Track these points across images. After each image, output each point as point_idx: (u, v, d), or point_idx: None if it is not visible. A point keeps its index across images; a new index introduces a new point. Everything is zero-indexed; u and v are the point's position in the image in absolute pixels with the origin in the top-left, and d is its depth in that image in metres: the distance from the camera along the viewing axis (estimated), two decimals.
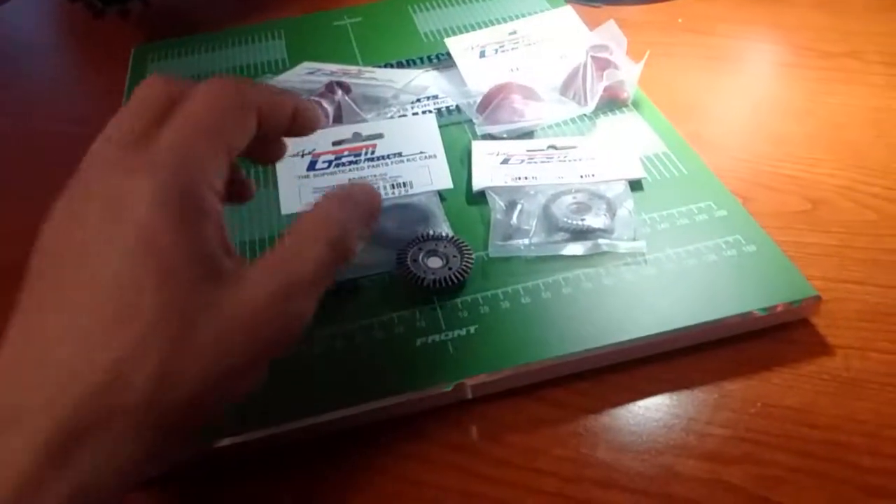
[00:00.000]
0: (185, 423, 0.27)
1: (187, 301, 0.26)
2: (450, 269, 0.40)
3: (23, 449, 0.23)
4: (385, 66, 0.60)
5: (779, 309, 0.38)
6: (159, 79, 0.31)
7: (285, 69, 0.60)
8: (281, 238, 0.30)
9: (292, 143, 0.48)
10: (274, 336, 0.29)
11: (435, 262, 0.41)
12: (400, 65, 0.60)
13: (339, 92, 0.51)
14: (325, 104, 0.51)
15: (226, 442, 0.35)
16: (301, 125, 0.34)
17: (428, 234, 0.42)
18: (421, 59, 0.60)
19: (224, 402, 0.28)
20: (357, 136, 0.49)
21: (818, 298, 0.39)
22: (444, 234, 0.42)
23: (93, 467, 0.24)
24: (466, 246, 0.42)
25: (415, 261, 0.41)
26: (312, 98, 0.51)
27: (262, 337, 0.28)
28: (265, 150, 0.36)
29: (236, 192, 0.36)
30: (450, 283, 0.40)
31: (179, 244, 0.27)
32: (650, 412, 0.36)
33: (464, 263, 0.41)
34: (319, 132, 0.49)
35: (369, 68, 0.59)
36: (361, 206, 0.33)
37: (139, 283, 0.26)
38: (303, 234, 0.31)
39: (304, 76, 0.57)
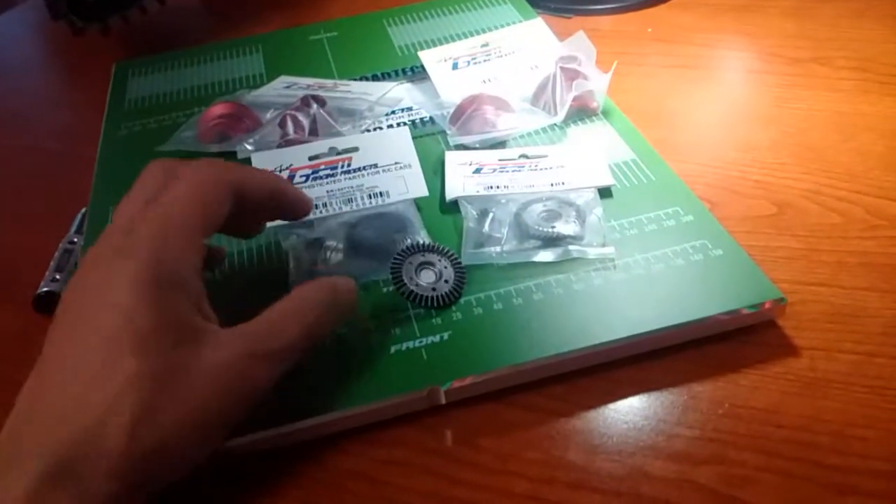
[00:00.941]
0: (155, 473, 0.30)
1: (159, 364, 0.30)
2: (446, 282, 0.41)
3: (17, 487, 0.27)
4: (360, 79, 0.61)
5: (748, 310, 0.39)
6: (157, 164, 0.37)
7: (263, 83, 0.61)
8: (263, 312, 0.35)
9: (270, 159, 0.49)
10: (232, 397, 0.32)
11: (428, 277, 0.41)
12: (375, 78, 0.61)
13: (315, 105, 0.52)
14: (301, 117, 0.52)
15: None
16: (288, 207, 0.40)
17: (415, 246, 0.43)
18: (395, 72, 0.61)
19: (190, 459, 0.32)
20: (333, 150, 0.50)
21: (784, 301, 0.39)
22: (428, 244, 0.43)
23: None
24: (454, 256, 0.42)
25: (410, 277, 0.41)
26: (288, 112, 0.52)
27: (225, 394, 0.32)
28: (245, 226, 0.42)
29: (211, 256, 0.41)
30: (452, 298, 0.41)
31: (152, 316, 0.31)
32: (620, 414, 0.37)
33: (457, 275, 0.42)
34: (296, 147, 0.50)
35: (345, 81, 0.59)
36: (342, 297, 0.37)
37: (119, 350, 0.30)
38: (283, 312, 0.35)
39: (280, 90, 0.58)
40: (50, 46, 0.81)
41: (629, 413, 0.37)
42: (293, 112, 0.52)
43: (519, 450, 0.36)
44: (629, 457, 0.35)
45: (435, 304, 0.40)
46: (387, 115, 0.56)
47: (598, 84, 0.52)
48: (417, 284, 0.41)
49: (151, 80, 0.65)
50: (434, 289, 0.41)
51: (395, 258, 0.42)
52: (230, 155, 0.53)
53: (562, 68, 0.53)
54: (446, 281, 0.41)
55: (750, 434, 0.36)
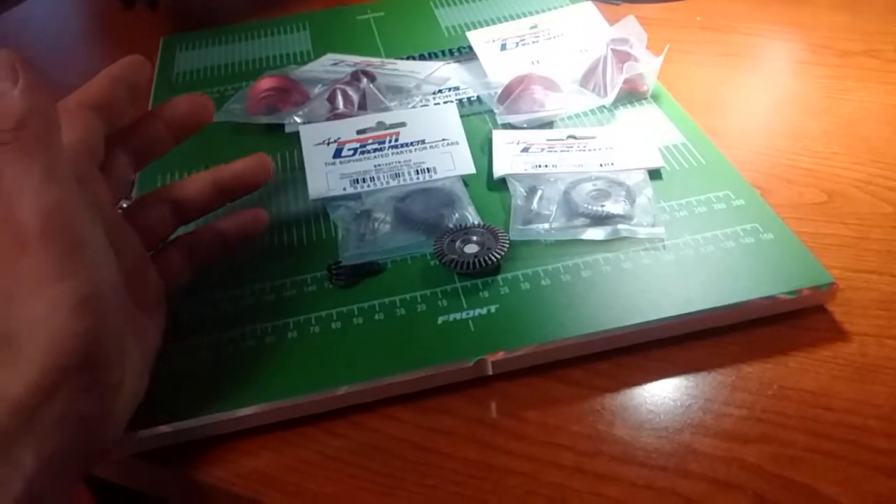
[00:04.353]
0: None
1: None
2: (489, 249, 0.41)
3: None
4: (407, 58, 0.61)
5: (798, 294, 0.39)
6: None
7: (310, 60, 0.62)
8: None
9: (318, 132, 0.50)
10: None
11: (471, 248, 0.42)
12: (422, 57, 0.61)
13: (365, 80, 0.52)
14: (351, 92, 0.52)
15: (249, 411, 0.36)
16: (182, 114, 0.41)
17: (460, 226, 0.43)
18: (443, 52, 0.61)
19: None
20: (381, 125, 0.50)
21: (835, 285, 0.39)
22: (475, 224, 0.43)
23: None
24: (501, 230, 0.43)
25: (452, 248, 0.42)
26: (338, 86, 0.52)
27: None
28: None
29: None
30: (489, 262, 0.41)
31: None
32: (667, 392, 0.37)
33: (500, 244, 0.41)
34: (344, 121, 0.50)
35: (392, 60, 0.60)
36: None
37: None
38: None
39: (328, 67, 0.59)
40: (98, 21, 0.82)
41: (676, 391, 0.37)
42: (343, 86, 0.52)
43: (564, 423, 0.36)
44: (676, 433, 0.35)
45: (477, 267, 0.40)
46: (434, 93, 0.56)
47: (649, 67, 0.52)
48: (460, 253, 0.41)
49: (199, 55, 0.66)
50: (476, 256, 0.41)
51: (441, 235, 0.42)
52: (278, 127, 0.53)
53: (613, 50, 0.53)
54: (489, 249, 0.41)
55: (799, 415, 0.35)
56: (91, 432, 0.31)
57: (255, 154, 0.44)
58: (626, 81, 0.52)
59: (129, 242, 0.36)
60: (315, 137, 0.49)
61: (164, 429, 0.35)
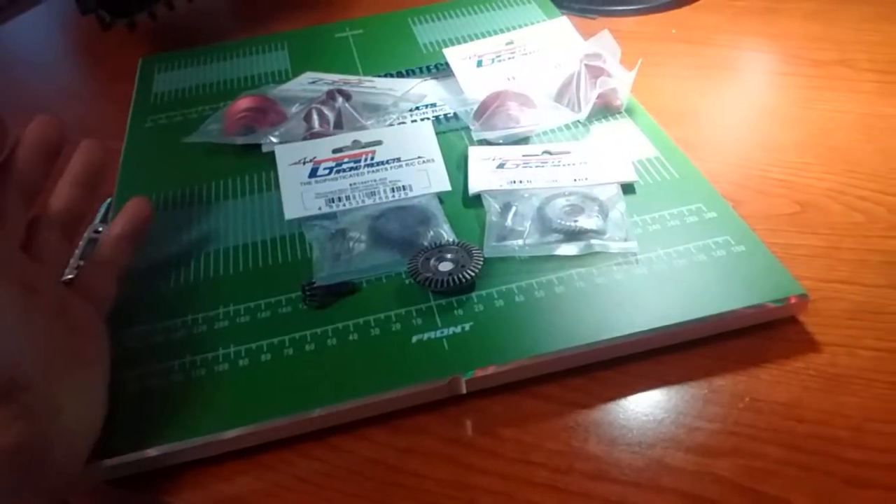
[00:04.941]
0: None
1: None
2: (463, 267, 0.41)
3: None
4: (385, 75, 0.61)
5: (769, 306, 0.39)
6: None
7: (288, 79, 0.62)
8: None
9: (294, 152, 0.50)
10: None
11: (446, 266, 0.42)
12: (400, 75, 0.61)
13: (340, 99, 0.53)
14: (326, 111, 0.52)
15: (222, 436, 0.36)
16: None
17: (435, 243, 0.43)
18: (420, 70, 0.62)
19: None
20: (357, 144, 0.50)
21: (806, 296, 0.39)
22: (450, 241, 0.43)
23: None
24: (475, 247, 0.43)
25: (426, 266, 0.42)
26: (314, 105, 0.52)
27: None
28: None
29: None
30: (463, 280, 0.41)
31: None
32: (640, 407, 0.37)
33: (474, 261, 0.42)
34: (320, 140, 0.51)
35: (369, 78, 0.60)
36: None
37: None
38: None
39: (305, 85, 0.59)
40: (77, 41, 0.82)
41: (649, 406, 0.37)
42: (318, 105, 0.52)
43: (539, 440, 0.36)
44: (649, 448, 0.35)
45: (451, 285, 0.41)
46: (411, 110, 0.56)
47: (622, 82, 0.53)
48: (435, 271, 0.41)
49: (177, 75, 0.66)
50: (451, 274, 0.41)
51: (415, 253, 0.42)
52: (255, 147, 0.54)
53: (586, 65, 0.53)
54: (463, 266, 0.41)
55: (770, 428, 0.36)
56: (33, 464, 0.30)
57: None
58: (599, 96, 0.52)
59: (40, 274, 0.36)
60: (291, 157, 0.49)
61: (132, 456, 0.35)
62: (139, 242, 0.44)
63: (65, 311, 0.35)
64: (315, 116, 0.52)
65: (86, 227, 0.51)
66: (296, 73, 0.62)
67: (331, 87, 0.55)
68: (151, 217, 0.45)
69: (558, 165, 0.48)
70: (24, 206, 0.37)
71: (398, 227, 0.45)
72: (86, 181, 0.41)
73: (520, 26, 0.65)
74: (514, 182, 0.47)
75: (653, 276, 0.41)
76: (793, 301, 0.39)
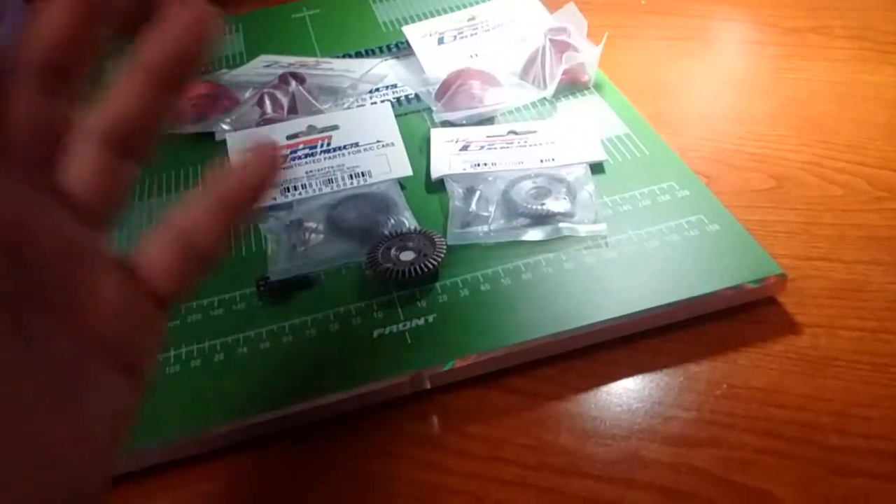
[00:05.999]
0: None
1: None
2: (425, 256, 0.39)
3: None
4: (343, 56, 0.59)
5: (746, 287, 0.37)
6: None
7: (242, 63, 0.59)
8: None
9: (246, 140, 0.48)
10: None
11: (407, 256, 0.40)
12: (359, 55, 0.59)
13: (294, 83, 0.50)
14: (279, 95, 0.50)
15: (177, 442, 0.34)
16: None
17: (396, 232, 0.41)
18: (380, 49, 0.59)
19: None
20: (312, 129, 0.48)
21: (784, 276, 0.38)
22: (412, 229, 0.41)
23: None
24: (437, 235, 0.41)
25: (387, 257, 0.40)
26: (266, 90, 0.50)
27: None
28: None
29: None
30: (426, 269, 0.39)
31: None
32: (613, 397, 0.35)
33: (437, 250, 0.39)
34: (273, 126, 0.48)
35: (327, 59, 0.58)
36: None
37: None
38: None
39: (260, 69, 0.56)
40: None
41: (623, 395, 0.35)
42: (271, 90, 0.50)
43: (508, 435, 0.34)
44: (622, 440, 0.34)
45: (413, 275, 0.39)
46: (370, 92, 0.54)
47: (589, 56, 0.51)
48: (395, 262, 0.39)
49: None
50: (412, 264, 0.39)
51: (375, 243, 0.40)
52: (208, 136, 0.51)
53: (551, 40, 0.51)
54: (425, 255, 0.39)
55: (749, 415, 0.34)
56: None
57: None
58: (565, 72, 0.50)
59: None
60: (243, 145, 0.47)
61: None
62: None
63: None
64: (268, 102, 0.49)
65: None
66: (250, 57, 0.60)
67: (284, 71, 0.52)
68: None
69: (524, 146, 0.46)
70: (46, 101, 0.22)
71: (356, 215, 0.42)
72: (168, 73, 0.24)
73: (482, 1, 0.62)
74: (479, 165, 0.45)
75: (624, 260, 0.39)
76: (771, 281, 0.38)
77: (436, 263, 0.39)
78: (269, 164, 0.26)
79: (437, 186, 0.45)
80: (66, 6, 0.22)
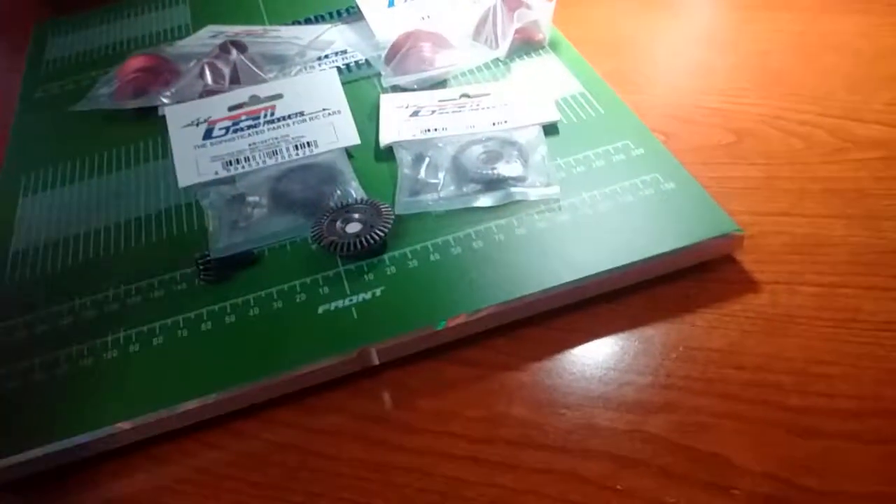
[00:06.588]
0: None
1: None
2: (372, 227, 0.38)
3: None
4: (292, 23, 0.57)
5: (702, 245, 0.36)
6: None
7: (188, 35, 0.57)
8: None
9: (186, 113, 0.46)
10: None
11: (353, 228, 0.38)
12: (308, 21, 0.57)
13: (234, 52, 0.48)
14: (220, 65, 0.48)
15: (112, 430, 0.32)
16: None
17: (342, 203, 0.39)
18: (329, 14, 0.57)
19: None
20: (255, 99, 0.46)
21: (741, 233, 0.36)
22: (358, 200, 0.40)
23: None
24: (384, 205, 0.39)
25: (332, 229, 0.38)
26: (206, 60, 0.48)
27: None
28: None
29: None
30: (372, 241, 0.37)
31: None
32: (567, 364, 0.34)
33: (384, 220, 0.38)
34: (214, 97, 0.46)
35: (275, 27, 0.55)
36: None
37: None
38: None
39: (205, 40, 0.54)
40: None
41: (577, 363, 0.34)
42: (212, 60, 0.48)
43: (459, 408, 0.33)
44: (576, 409, 0.32)
45: (359, 248, 0.37)
46: (319, 59, 0.52)
47: (542, 13, 0.49)
48: (341, 234, 0.37)
49: (72, 40, 0.61)
50: (358, 236, 0.37)
51: (320, 215, 0.38)
52: (151, 111, 0.49)
53: None
54: (372, 226, 0.38)
55: (706, 378, 0.33)
56: None
57: None
58: (518, 31, 0.48)
59: None
60: (183, 119, 0.45)
61: (14, 459, 0.32)
62: None
63: None
64: (208, 72, 0.48)
65: None
66: (197, 28, 0.58)
67: (224, 40, 0.50)
68: None
69: (476, 109, 0.45)
70: None
71: (301, 187, 0.41)
72: None
73: None
74: (429, 130, 0.43)
75: (577, 223, 0.38)
76: (728, 239, 0.36)
77: (382, 234, 0.38)
78: None
79: (387, 155, 0.44)
80: None
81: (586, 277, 0.35)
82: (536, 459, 0.31)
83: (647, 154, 0.41)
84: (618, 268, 0.36)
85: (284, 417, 0.34)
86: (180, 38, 0.57)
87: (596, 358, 0.34)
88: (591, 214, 0.38)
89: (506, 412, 0.33)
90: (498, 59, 0.49)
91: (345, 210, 0.39)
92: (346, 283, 0.37)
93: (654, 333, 0.35)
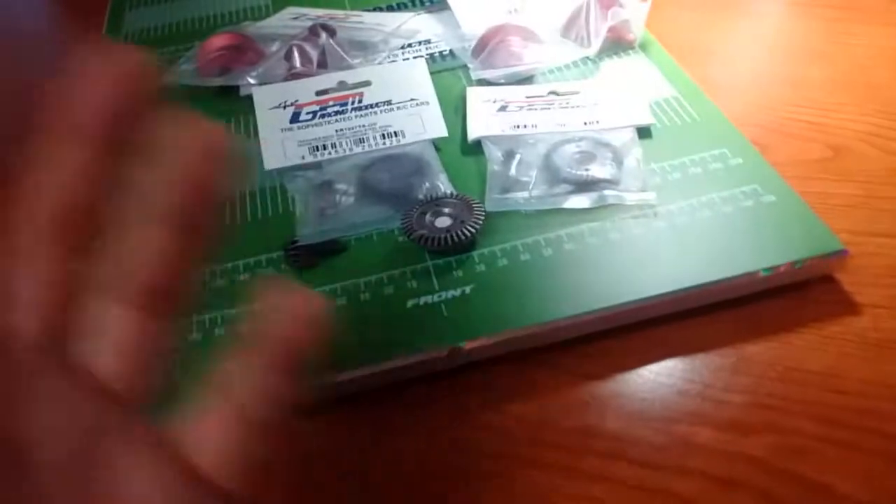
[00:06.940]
0: None
1: None
2: (462, 223, 0.37)
3: None
4: (374, 9, 0.56)
5: (804, 263, 0.35)
6: None
7: (268, 15, 0.57)
8: None
9: (273, 95, 0.45)
10: None
11: (443, 222, 0.37)
12: (390, 8, 0.56)
13: (324, 35, 0.48)
14: (309, 49, 0.47)
15: None
16: None
17: (431, 196, 0.39)
18: (412, 2, 0.57)
19: None
20: (343, 85, 0.46)
21: (844, 252, 0.35)
22: (448, 194, 0.39)
23: None
24: (475, 200, 0.38)
25: (421, 223, 0.38)
26: (294, 43, 0.47)
27: None
28: None
29: None
30: (462, 237, 0.37)
31: None
32: (662, 377, 0.33)
33: (474, 216, 0.37)
34: (302, 81, 0.46)
35: (357, 12, 0.55)
36: None
37: None
38: None
39: (287, 21, 0.54)
40: None
41: (672, 376, 0.33)
42: (300, 43, 0.47)
43: (550, 416, 0.33)
44: (672, 424, 0.32)
45: (449, 243, 0.36)
46: (403, 48, 0.51)
47: (635, 13, 0.48)
48: (431, 228, 0.37)
49: (149, 13, 0.61)
50: (448, 231, 0.37)
51: (409, 207, 0.38)
52: (232, 89, 0.49)
53: None
54: (462, 222, 0.37)
55: (806, 400, 0.32)
56: None
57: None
58: (610, 30, 0.47)
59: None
60: (270, 100, 0.45)
61: None
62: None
63: None
64: (296, 55, 0.47)
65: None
66: (276, 9, 0.57)
67: (313, 23, 0.50)
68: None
69: (566, 107, 0.44)
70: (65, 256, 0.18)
71: (389, 177, 0.40)
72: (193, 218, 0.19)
73: None
74: (518, 126, 0.43)
75: (674, 231, 0.37)
76: (830, 258, 0.35)
77: (474, 231, 0.37)
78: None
79: (474, 149, 0.43)
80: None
81: (683, 289, 0.34)
82: (628, 475, 0.30)
83: (746, 164, 0.40)
84: (716, 281, 0.35)
85: (364, 415, 0.33)
86: (260, 17, 0.56)
87: (692, 373, 0.33)
88: (688, 223, 0.37)
89: (598, 423, 0.32)
90: (587, 57, 0.48)
91: (434, 203, 0.38)
92: (434, 278, 0.36)
93: (752, 351, 0.34)
